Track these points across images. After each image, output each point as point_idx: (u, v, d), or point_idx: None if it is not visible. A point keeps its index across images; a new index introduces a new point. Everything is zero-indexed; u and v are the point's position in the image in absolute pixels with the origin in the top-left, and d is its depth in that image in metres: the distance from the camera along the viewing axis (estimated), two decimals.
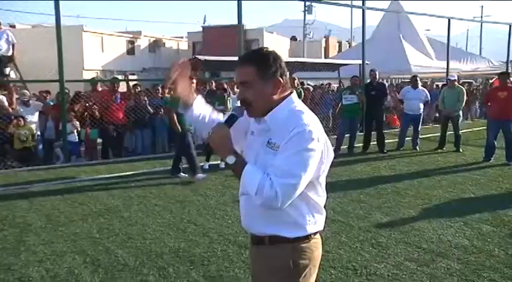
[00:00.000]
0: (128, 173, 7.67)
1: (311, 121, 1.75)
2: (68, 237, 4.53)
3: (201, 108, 2.07)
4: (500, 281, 3.47)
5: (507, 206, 5.44)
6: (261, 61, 1.79)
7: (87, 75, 26.71)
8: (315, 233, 1.87)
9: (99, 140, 9.60)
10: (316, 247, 1.89)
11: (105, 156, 9.41)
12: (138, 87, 10.85)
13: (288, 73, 1.88)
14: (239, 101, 1.84)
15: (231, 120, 1.83)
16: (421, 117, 10.13)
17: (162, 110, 10.03)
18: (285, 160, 1.68)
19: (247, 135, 1.94)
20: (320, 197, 1.88)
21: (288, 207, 1.73)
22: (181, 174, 7.27)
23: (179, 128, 6.93)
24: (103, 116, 9.33)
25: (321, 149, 1.76)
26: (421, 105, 9.94)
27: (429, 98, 10.30)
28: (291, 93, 1.85)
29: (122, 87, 10.62)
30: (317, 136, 1.72)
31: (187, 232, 4.68)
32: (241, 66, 1.82)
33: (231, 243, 4.34)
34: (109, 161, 8.95)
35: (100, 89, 10.44)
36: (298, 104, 1.83)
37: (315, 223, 1.86)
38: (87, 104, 9.59)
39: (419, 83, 10.44)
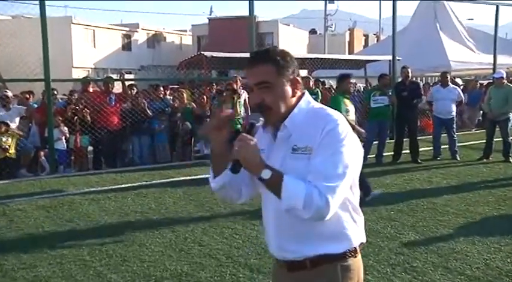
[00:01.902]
0: (123, 186, 7.71)
1: (338, 115, 1.80)
2: (54, 260, 4.55)
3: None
4: None
5: None
6: (280, 59, 1.83)
7: (77, 74, 27.09)
8: (359, 245, 1.89)
9: (91, 148, 9.68)
10: (361, 264, 1.92)
11: (98, 167, 9.48)
12: (134, 88, 10.93)
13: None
14: (254, 106, 1.84)
15: (252, 130, 1.82)
16: (454, 120, 10.03)
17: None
18: (325, 162, 1.71)
19: None
20: (355, 196, 1.89)
21: (332, 216, 1.74)
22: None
23: None
24: (95, 120, 9.41)
25: (356, 142, 1.80)
26: (453, 107, 9.85)
27: (462, 97, 10.24)
28: (304, 93, 1.92)
29: (117, 88, 10.71)
30: (349, 129, 1.78)
31: (191, 254, 4.68)
32: (257, 66, 1.83)
33: (241, 266, 4.33)
34: (102, 172, 9.01)
35: (92, 90, 10.53)
36: (314, 102, 1.91)
37: (359, 230, 1.88)
38: (77, 107, 9.67)
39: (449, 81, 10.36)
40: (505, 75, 10.31)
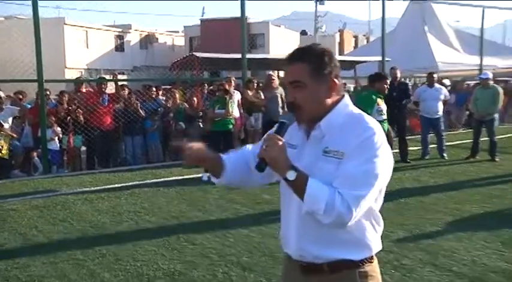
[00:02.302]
0: (116, 186, 7.68)
1: (376, 125, 1.75)
2: (47, 260, 4.52)
3: (230, 161, 1.98)
4: None
5: None
6: (316, 59, 1.77)
7: (70, 74, 26.95)
8: (378, 252, 1.87)
9: (84, 148, 9.63)
10: (378, 269, 1.89)
11: (91, 167, 9.44)
12: (126, 89, 10.87)
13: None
14: (287, 104, 1.82)
15: (282, 129, 1.78)
16: (441, 119, 10.08)
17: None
18: (355, 169, 1.67)
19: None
20: (378, 205, 1.86)
21: (353, 224, 1.71)
22: None
23: None
24: (88, 120, 9.36)
25: (389, 152, 1.77)
26: (440, 106, 9.91)
27: (448, 97, 10.29)
28: (344, 95, 1.85)
29: (110, 88, 10.67)
30: (384, 139, 1.74)
31: (183, 253, 4.67)
32: (293, 64, 1.79)
33: (233, 264, 4.32)
34: (95, 172, 8.97)
35: (85, 90, 10.48)
36: (353, 107, 1.84)
37: (378, 238, 1.86)
38: (70, 108, 9.62)
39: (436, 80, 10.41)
40: (491, 76, 10.38)
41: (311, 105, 1.77)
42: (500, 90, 9.91)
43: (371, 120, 1.75)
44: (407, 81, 15.17)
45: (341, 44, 43.09)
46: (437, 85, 10.24)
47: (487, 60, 17.16)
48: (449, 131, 13.12)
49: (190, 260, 4.48)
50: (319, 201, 1.64)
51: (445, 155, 9.82)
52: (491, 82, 9.98)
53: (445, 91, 10.20)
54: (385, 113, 6.62)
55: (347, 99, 1.84)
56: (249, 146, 2.06)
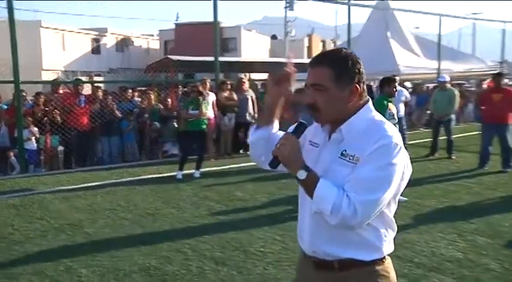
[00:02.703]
0: (93, 184, 7.56)
1: (395, 133, 1.70)
2: (24, 257, 4.43)
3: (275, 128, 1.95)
4: None
5: (502, 215, 5.55)
6: (339, 64, 1.73)
7: (47, 76, 26.34)
8: (390, 253, 1.84)
9: (61, 148, 9.45)
10: (391, 269, 1.85)
11: (68, 166, 9.28)
12: (99, 91, 10.68)
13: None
14: (306, 105, 1.77)
15: (299, 130, 1.75)
16: (403, 120, 10.24)
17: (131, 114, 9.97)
18: (367, 175, 1.63)
19: (305, 146, 1.85)
20: (392, 210, 1.83)
21: (365, 226, 1.69)
22: None
23: None
24: (65, 121, 9.20)
25: (405, 162, 1.72)
26: (402, 107, 10.08)
27: (409, 98, 10.45)
28: (367, 101, 1.81)
29: (87, 90, 10.50)
30: (402, 149, 1.68)
31: (159, 248, 4.63)
32: (316, 67, 1.75)
33: (206, 259, 4.31)
34: (72, 171, 8.82)
35: (62, 92, 10.29)
36: (376, 113, 1.79)
37: (390, 242, 1.83)
38: (46, 108, 9.44)
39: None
40: (448, 79, 10.62)
41: (330, 109, 1.73)
42: (457, 93, 10.15)
43: (390, 128, 1.71)
44: (371, 83, 15.35)
45: (309, 48, 43.31)
46: (398, 87, 10.37)
47: (444, 65, 17.53)
48: (411, 130, 13.34)
49: (165, 255, 4.44)
50: (326, 202, 1.63)
51: None
52: (448, 85, 10.20)
53: (406, 93, 10.37)
54: (396, 117, 6.61)
55: (370, 104, 1.80)
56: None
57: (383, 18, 20.78)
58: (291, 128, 1.80)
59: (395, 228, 1.86)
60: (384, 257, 1.81)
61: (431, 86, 16.45)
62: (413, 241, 4.71)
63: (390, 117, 6.47)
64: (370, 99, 1.83)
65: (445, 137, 9.85)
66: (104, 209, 6.10)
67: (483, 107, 8.77)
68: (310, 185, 1.67)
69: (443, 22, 15.77)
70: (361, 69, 1.77)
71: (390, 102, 6.45)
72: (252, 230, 5.14)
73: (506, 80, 9.57)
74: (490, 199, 6.45)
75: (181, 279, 3.89)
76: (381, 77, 7.37)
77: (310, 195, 1.68)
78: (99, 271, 4.07)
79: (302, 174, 1.66)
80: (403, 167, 1.70)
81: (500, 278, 3.85)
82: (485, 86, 16.63)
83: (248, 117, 10.33)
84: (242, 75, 13.14)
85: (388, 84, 6.59)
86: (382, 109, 6.31)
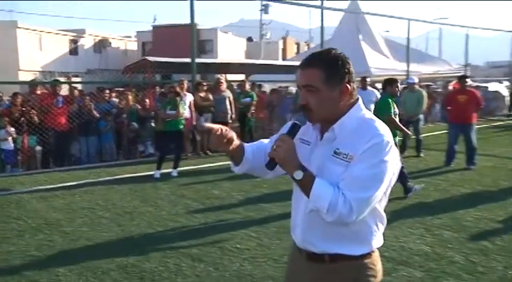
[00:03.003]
0: (71, 184, 7.44)
1: (386, 131, 1.72)
2: (1, 257, 4.33)
3: (250, 150, 1.93)
4: None
5: (467, 211, 5.68)
6: (330, 65, 1.73)
7: (24, 77, 25.80)
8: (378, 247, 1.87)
9: (39, 148, 9.27)
10: (377, 261, 1.88)
11: (46, 166, 9.10)
12: (76, 91, 10.52)
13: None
14: (299, 106, 1.77)
15: (293, 131, 1.74)
16: None
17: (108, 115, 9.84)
18: (361, 173, 1.65)
19: (296, 143, 1.80)
20: (383, 205, 1.85)
21: (358, 222, 1.70)
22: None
23: None
24: (43, 121, 9.02)
25: (397, 159, 1.73)
26: (372, 108, 10.19)
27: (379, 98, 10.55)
28: (357, 100, 1.81)
29: (65, 90, 10.32)
30: (393, 147, 1.70)
31: (136, 246, 4.58)
32: (307, 69, 1.75)
33: (184, 256, 4.29)
34: (50, 171, 8.66)
35: (39, 92, 10.09)
36: (366, 111, 1.80)
37: (379, 236, 1.85)
38: (24, 109, 9.23)
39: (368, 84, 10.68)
40: (416, 81, 10.82)
41: (322, 109, 1.73)
42: (425, 94, 10.35)
43: (381, 126, 1.72)
44: None
45: (284, 50, 43.44)
46: (369, 88, 10.50)
47: (412, 67, 17.81)
48: None
49: (142, 252, 4.40)
50: (323, 200, 1.64)
51: None
52: (417, 86, 10.38)
53: (377, 94, 10.47)
54: (398, 115, 6.68)
55: (361, 103, 1.81)
56: (265, 140, 2.03)
57: (354, 21, 21.03)
58: (285, 129, 1.80)
59: (385, 222, 1.88)
60: (373, 250, 1.84)
61: (400, 87, 16.68)
62: (383, 236, 4.76)
63: (394, 115, 6.55)
64: (360, 98, 1.84)
65: (413, 137, 9.99)
66: (82, 208, 6.01)
67: (449, 108, 8.95)
68: (306, 184, 1.68)
69: (411, 26, 16.03)
70: (350, 69, 1.77)
71: (394, 101, 6.57)
72: (228, 227, 5.13)
73: (470, 82, 9.76)
74: (456, 195, 6.58)
75: (159, 276, 3.87)
76: (356, 79, 7.42)
77: (307, 194, 1.68)
78: (76, 270, 4.01)
79: (299, 175, 1.67)
80: (394, 163, 1.72)
81: (464, 269, 3.94)
82: (451, 87, 16.97)
83: (225, 117, 10.32)
84: (220, 76, 13.10)
85: (390, 84, 6.71)
86: (388, 107, 6.39)
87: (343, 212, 1.62)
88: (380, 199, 1.77)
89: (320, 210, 1.66)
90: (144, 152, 10.52)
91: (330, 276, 1.81)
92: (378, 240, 1.85)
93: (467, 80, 8.82)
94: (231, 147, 1.85)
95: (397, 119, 6.49)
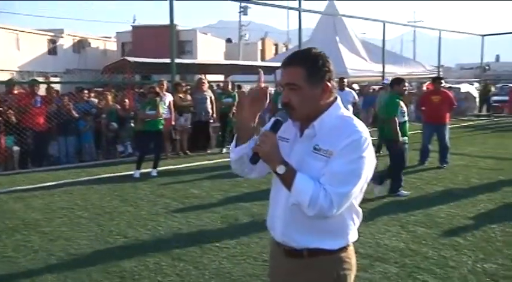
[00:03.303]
0: (50, 184, 7.31)
1: (363, 128, 1.76)
2: None
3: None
4: None
5: (440, 208, 5.78)
6: (310, 63, 1.75)
7: (1, 76, 25.29)
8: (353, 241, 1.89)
9: (17, 148, 9.08)
10: (353, 255, 1.90)
11: (24, 166, 8.92)
12: (53, 91, 10.33)
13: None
14: (281, 104, 1.79)
15: (276, 127, 1.77)
16: None
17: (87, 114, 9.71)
18: (340, 168, 1.68)
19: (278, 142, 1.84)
20: (358, 202, 1.87)
21: (336, 216, 1.73)
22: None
23: None
24: (21, 121, 8.84)
25: (373, 155, 1.77)
26: (350, 107, 10.30)
27: (357, 99, 10.67)
28: (336, 98, 1.84)
29: (43, 90, 10.13)
30: (370, 141, 1.74)
31: (116, 245, 4.53)
32: (289, 67, 1.77)
33: (163, 255, 4.26)
34: (28, 171, 8.49)
35: (16, 92, 9.88)
36: (344, 110, 1.83)
37: (355, 230, 1.88)
38: (0, 109, 9.02)
39: (346, 84, 10.76)
40: None
41: (303, 107, 1.76)
42: None
43: (359, 124, 1.76)
44: None
45: (263, 51, 43.53)
46: (347, 89, 10.59)
47: (388, 68, 18.04)
48: None
49: (122, 252, 4.35)
50: (304, 194, 1.67)
51: None
52: None
53: (354, 94, 10.57)
54: (407, 115, 6.69)
55: (339, 101, 1.84)
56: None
57: (332, 23, 21.19)
58: (268, 125, 1.82)
59: (361, 217, 1.91)
60: (349, 244, 1.87)
61: (376, 87, 16.87)
62: (359, 233, 4.75)
63: (401, 115, 6.59)
64: (338, 97, 1.87)
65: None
66: (61, 208, 5.91)
67: (423, 108, 9.09)
68: (288, 179, 1.70)
69: (387, 29, 16.22)
70: (330, 67, 1.80)
71: (401, 100, 6.60)
72: (207, 226, 5.12)
73: (443, 83, 9.92)
74: (430, 193, 6.69)
75: (139, 275, 3.83)
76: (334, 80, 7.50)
77: (289, 188, 1.71)
78: (55, 270, 3.94)
79: (281, 169, 1.70)
80: (371, 160, 1.75)
81: (437, 264, 4.00)
82: (425, 88, 17.22)
83: (206, 117, 10.30)
84: (201, 76, 13.06)
85: (398, 83, 6.76)
86: (395, 106, 6.43)
87: (324, 205, 1.65)
88: (357, 195, 1.80)
89: (302, 204, 1.69)
90: (123, 152, 10.41)
91: (307, 271, 1.83)
92: (353, 234, 1.88)
93: (442, 81, 8.96)
94: (254, 122, 1.85)
95: (405, 118, 6.54)
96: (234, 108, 11.41)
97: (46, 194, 6.63)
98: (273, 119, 1.81)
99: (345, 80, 10.79)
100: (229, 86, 11.59)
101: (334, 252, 1.82)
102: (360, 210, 1.89)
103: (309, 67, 1.75)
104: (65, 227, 5.12)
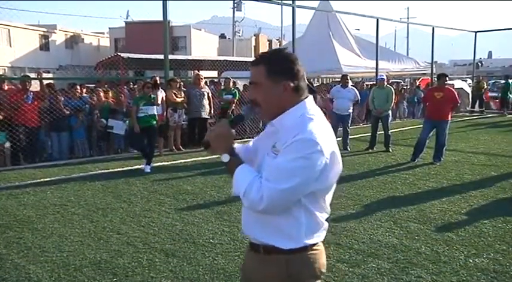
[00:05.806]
0: (42, 180, 7.28)
1: (318, 129, 1.70)
2: None
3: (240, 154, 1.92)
4: (426, 277, 3.70)
5: (432, 203, 5.81)
6: (271, 61, 1.80)
7: None
8: (313, 245, 1.82)
9: (8, 145, 9.01)
10: (315, 258, 1.83)
11: (16, 163, 8.86)
12: (46, 86, 10.22)
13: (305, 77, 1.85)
14: (250, 101, 1.87)
15: (236, 120, 1.86)
16: (350, 117, 10.48)
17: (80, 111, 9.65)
18: (279, 165, 1.67)
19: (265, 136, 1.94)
20: (322, 210, 1.84)
21: (285, 216, 1.73)
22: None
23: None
24: (12, 117, 8.77)
25: (323, 161, 1.68)
26: (351, 105, 10.30)
27: (359, 98, 10.62)
28: (306, 98, 1.82)
29: (35, 87, 10.05)
30: (321, 146, 1.66)
31: (109, 242, 4.52)
32: (253, 66, 1.82)
33: (157, 251, 4.25)
34: (20, 168, 8.43)
35: (7, 88, 9.78)
36: (312, 111, 1.79)
37: (313, 236, 1.82)
38: None
39: (350, 82, 10.74)
40: (385, 78, 10.96)
41: (267, 104, 1.80)
42: (393, 91, 10.49)
43: (315, 125, 1.71)
44: (311, 81, 15.59)
45: (256, 47, 43.44)
46: (350, 86, 10.56)
47: (382, 64, 18.06)
48: (352, 125, 13.66)
49: (115, 248, 4.34)
50: (241, 184, 1.72)
51: (348, 147, 10.20)
52: (385, 83, 10.52)
53: (356, 92, 10.51)
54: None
55: (308, 103, 1.81)
56: (251, 142, 2.06)
57: (325, 19, 21.15)
58: (231, 118, 1.92)
59: (323, 222, 1.86)
60: (305, 247, 1.80)
61: (370, 83, 16.91)
62: (353, 229, 4.84)
63: None
64: (312, 97, 1.86)
65: (382, 132, 10.15)
66: (54, 204, 5.89)
67: (427, 104, 9.06)
68: (231, 168, 1.79)
69: (380, 25, 16.24)
70: (295, 67, 1.80)
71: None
72: (201, 222, 5.11)
73: (447, 80, 9.82)
74: (423, 189, 6.72)
75: (132, 272, 3.82)
76: (327, 75, 7.59)
77: (231, 177, 1.79)
78: (48, 267, 3.93)
79: (225, 158, 1.80)
80: (321, 163, 1.68)
81: (429, 259, 4.03)
82: (420, 84, 17.29)
83: (204, 113, 10.27)
84: (198, 72, 13.03)
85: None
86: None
87: (254, 198, 1.68)
88: (314, 198, 1.76)
89: (239, 195, 1.73)
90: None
91: (264, 266, 1.84)
92: (310, 238, 1.81)
93: (447, 78, 8.89)
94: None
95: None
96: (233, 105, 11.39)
97: (38, 191, 6.60)
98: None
99: (348, 77, 10.74)
100: (231, 83, 11.61)
101: (287, 252, 1.78)
102: (323, 214, 1.85)
103: (269, 65, 1.79)
104: (58, 224, 5.10)
